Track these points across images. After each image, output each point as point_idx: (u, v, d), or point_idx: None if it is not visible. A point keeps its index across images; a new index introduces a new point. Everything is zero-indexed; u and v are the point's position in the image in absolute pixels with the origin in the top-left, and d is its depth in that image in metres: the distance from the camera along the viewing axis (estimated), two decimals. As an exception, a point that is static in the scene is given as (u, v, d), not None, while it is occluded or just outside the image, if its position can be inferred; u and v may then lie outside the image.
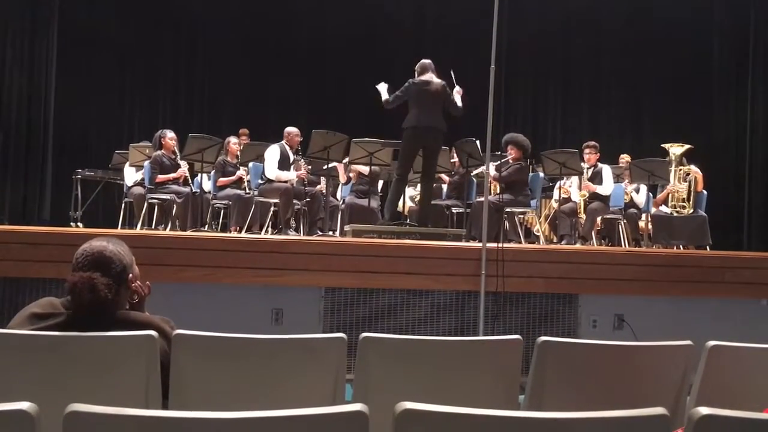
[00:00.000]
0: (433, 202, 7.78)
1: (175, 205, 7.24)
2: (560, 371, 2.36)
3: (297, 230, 7.34)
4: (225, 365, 2.25)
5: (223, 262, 4.84)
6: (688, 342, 2.44)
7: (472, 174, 7.62)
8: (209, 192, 7.80)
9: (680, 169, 7.33)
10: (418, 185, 7.69)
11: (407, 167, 6.55)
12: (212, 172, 7.71)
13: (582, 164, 7.40)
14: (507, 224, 7.16)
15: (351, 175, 8.05)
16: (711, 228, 7.13)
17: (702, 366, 2.40)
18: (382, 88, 6.60)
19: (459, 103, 6.57)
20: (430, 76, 6.47)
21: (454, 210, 7.75)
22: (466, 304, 5.06)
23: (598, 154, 7.57)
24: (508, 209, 7.06)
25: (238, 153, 7.82)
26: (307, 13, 10.88)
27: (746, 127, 10.50)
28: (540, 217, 8.21)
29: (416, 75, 6.53)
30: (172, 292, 4.29)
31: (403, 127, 6.47)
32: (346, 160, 7.53)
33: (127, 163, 7.95)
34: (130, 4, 10.70)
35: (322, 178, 7.79)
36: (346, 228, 6.53)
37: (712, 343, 2.40)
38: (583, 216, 7.52)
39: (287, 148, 7.42)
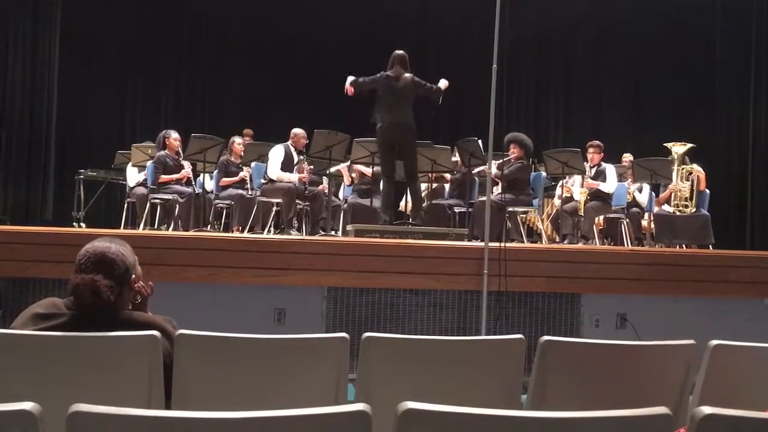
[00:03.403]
0: (435, 201, 7.80)
1: (177, 206, 7.24)
2: (563, 371, 2.36)
3: (299, 230, 7.34)
4: (228, 365, 2.25)
5: (225, 261, 4.84)
6: (691, 341, 2.44)
7: (473, 173, 7.62)
8: (211, 192, 7.80)
9: (683, 168, 7.31)
10: (422, 185, 7.71)
11: (386, 166, 6.50)
12: (215, 172, 7.71)
13: (585, 164, 7.39)
14: (509, 223, 7.15)
15: (353, 175, 8.05)
16: (714, 227, 7.12)
17: (705, 365, 2.40)
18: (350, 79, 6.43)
19: (442, 85, 6.36)
20: (399, 71, 6.32)
21: (456, 209, 7.75)
22: (468, 304, 5.06)
23: (602, 153, 7.55)
24: (510, 208, 7.06)
25: (242, 153, 7.83)
26: (308, 12, 10.87)
27: (749, 125, 10.50)
28: (542, 216, 8.20)
29: (388, 67, 6.40)
30: (174, 292, 4.29)
31: (373, 123, 6.42)
32: (349, 162, 7.54)
33: (130, 164, 7.96)
34: (131, 4, 10.71)
35: (324, 178, 7.79)
36: (349, 228, 6.53)
37: (714, 342, 2.40)
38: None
39: (292, 149, 7.43)
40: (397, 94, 6.29)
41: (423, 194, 7.50)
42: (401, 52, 6.44)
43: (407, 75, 6.36)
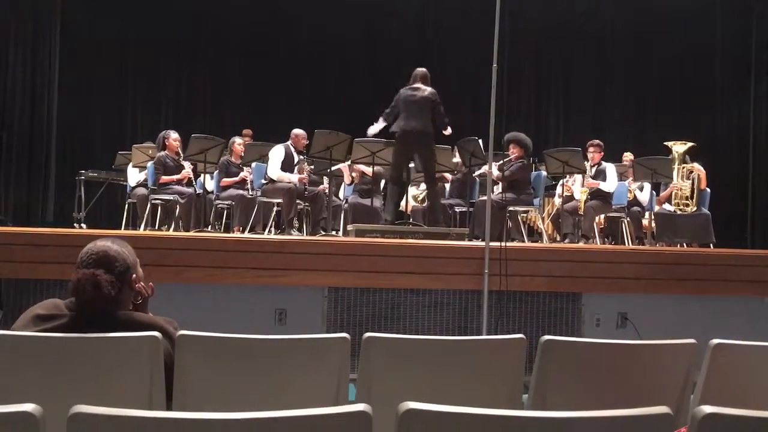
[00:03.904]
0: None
1: (178, 206, 7.24)
2: (564, 370, 2.36)
3: (300, 230, 7.34)
4: (228, 366, 2.25)
5: (226, 262, 4.84)
6: (692, 340, 2.44)
7: (474, 175, 7.62)
8: (212, 192, 7.80)
9: (683, 167, 7.31)
10: (421, 184, 7.73)
11: (395, 171, 6.64)
12: (215, 173, 7.71)
13: (585, 163, 7.39)
14: (510, 223, 7.15)
15: (354, 175, 8.05)
16: (714, 226, 7.12)
17: (705, 364, 2.40)
18: (373, 130, 6.74)
19: (447, 130, 6.69)
20: (419, 85, 6.55)
21: (457, 209, 7.76)
22: (469, 304, 5.06)
23: (602, 152, 7.55)
24: (510, 208, 7.06)
25: (242, 153, 7.83)
26: (308, 13, 10.88)
27: (749, 125, 10.49)
28: (543, 215, 8.20)
29: (410, 82, 6.63)
30: (175, 293, 4.30)
31: (392, 131, 6.61)
32: (349, 162, 7.54)
33: (130, 164, 7.96)
34: (132, 5, 10.72)
35: (325, 178, 7.79)
36: (349, 228, 6.54)
37: (715, 341, 2.40)
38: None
39: (292, 149, 7.43)
40: (416, 104, 6.47)
41: (424, 195, 7.52)
42: (424, 69, 6.65)
43: (427, 88, 6.55)
